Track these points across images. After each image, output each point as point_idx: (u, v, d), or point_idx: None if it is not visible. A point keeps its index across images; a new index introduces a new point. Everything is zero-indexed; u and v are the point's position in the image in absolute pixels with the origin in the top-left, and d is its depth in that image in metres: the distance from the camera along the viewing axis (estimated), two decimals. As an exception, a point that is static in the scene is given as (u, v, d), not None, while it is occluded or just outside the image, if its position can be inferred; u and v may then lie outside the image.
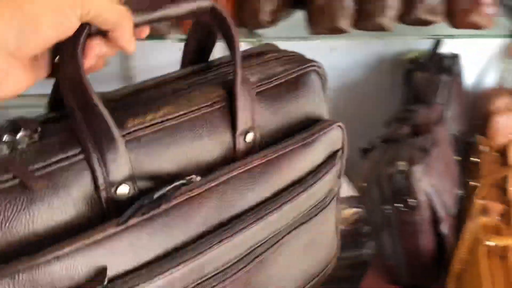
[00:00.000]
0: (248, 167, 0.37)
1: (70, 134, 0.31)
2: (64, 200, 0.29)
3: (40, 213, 0.28)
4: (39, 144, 0.29)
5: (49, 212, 0.29)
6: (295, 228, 0.43)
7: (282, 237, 0.41)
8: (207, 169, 0.35)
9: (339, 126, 0.45)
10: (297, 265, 0.46)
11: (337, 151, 0.46)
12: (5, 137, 0.29)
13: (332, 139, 0.44)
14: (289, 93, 0.42)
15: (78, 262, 0.28)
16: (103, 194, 0.31)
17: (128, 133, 0.32)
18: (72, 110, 0.31)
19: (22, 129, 0.29)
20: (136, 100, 0.35)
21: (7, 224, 0.27)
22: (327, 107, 0.47)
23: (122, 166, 0.31)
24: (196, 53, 0.42)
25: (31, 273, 0.26)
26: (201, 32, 0.39)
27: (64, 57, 0.30)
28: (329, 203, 0.47)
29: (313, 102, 0.45)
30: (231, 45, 0.37)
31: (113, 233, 0.29)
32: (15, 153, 0.28)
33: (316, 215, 0.45)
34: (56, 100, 0.33)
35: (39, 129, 0.30)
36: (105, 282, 0.29)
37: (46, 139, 0.30)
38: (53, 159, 0.29)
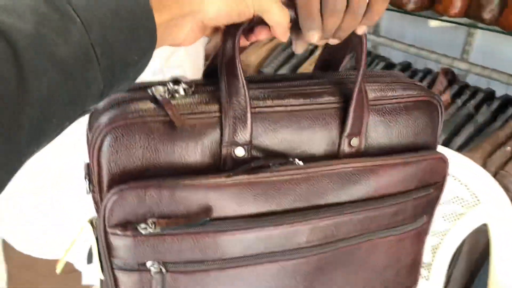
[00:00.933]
0: (346, 168, 0.42)
1: (214, 95, 0.39)
2: (197, 145, 0.38)
3: (177, 148, 0.38)
4: (191, 98, 0.39)
5: (184, 150, 0.38)
6: (377, 235, 0.47)
7: (359, 242, 0.46)
8: (308, 158, 0.41)
9: (442, 158, 0.47)
10: (368, 278, 0.50)
11: (436, 183, 0.48)
12: (169, 85, 0.39)
13: (433, 169, 0.47)
14: (406, 115, 0.46)
15: (194, 196, 0.37)
16: (224, 150, 0.39)
17: (257, 107, 0.40)
18: (221, 77, 0.39)
19: (182, 83, 0.39)
20: (271, 85, 0.43)
21: (155, 145, 0.37)
22: (438, 140, 0.50)
23: (245, 132, 0.39)
24: (328, 61, 0.49)
25: (171, 191, 0.36)
26: (336, 44, 0.43)
27: (227, 35, 0.38)
28: (415, 229, 0.50)
29: (426, 131, 0.47)
30: (359, 60, 0.42)
31: (224, 182, 0.38)
32: (173, 98, 0.38)
33: (403, 232, 0.49)
34: (211, 70, 0.42)
35: (194, 87, 0.40)
36: (208, 219, 0.38)
37: (196, 95, 0.39)
38: (197, 111, 0.38)
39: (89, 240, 0.42)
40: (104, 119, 0.37)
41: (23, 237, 0.70)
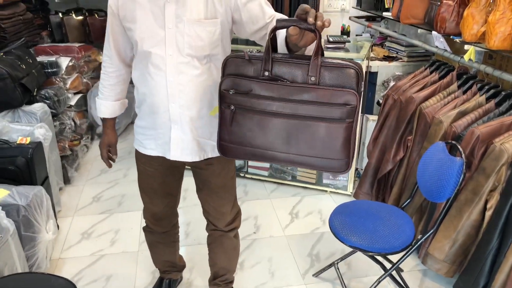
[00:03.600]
0: (307, 87, 1.15)
1: (262, 62, 1.21)
2: (252, 68, 1.21)
3: (246, 68, 1.21)
4: (257, 53, 1.22)
5: (247, 69, 1.21)
6: (319, 120, 1.16)
7: (311, 121, 1.17)
8: (294, 82, 1.17)
9: (354, 93, 1.13)
10: (316, 142, 1.18)
11: (351, 105, 1.13)
12: (253, 51, 1.35)
13: (348, 97, 1.13)
14: (339, 70, 1.14)
15: (247, 84, 1.21)
16: (261, 72, 1.20)
17: (274, 58, 1.19)
18: (266, 50, 1.19)
19: (256, 50, 1.74)
20: (283, 55, 1.20)
21: (238, 66, 1.22)
22: (360, 89, 1.15)
23: (269, 66, 1.18)
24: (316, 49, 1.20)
25: (240, 80, 1.22)
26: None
27: (271, 32, 1.19)
28: (342, 123, 1.15)
29: (349, 81, 1.14)
30: (318, 43, 1.15)
31: (259, 81, 1.20)
32: (251, 52, 1.24)
33: (332, 123, 1.16)
34: (273, 46, 1.21)
35: (259, 51, 1.26)
36: (250, 91, 1.22)
37: (257, 54, 1.21)
38: (254, 57, 1.21)
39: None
40: (229, 56, 1.24)
41: None
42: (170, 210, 1.80)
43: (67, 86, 3.22)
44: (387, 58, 3.14)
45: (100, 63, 4.00)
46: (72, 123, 3.23)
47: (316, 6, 3.76)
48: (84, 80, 3.59)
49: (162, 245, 1.91)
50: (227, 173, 1.64)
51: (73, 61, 3.33)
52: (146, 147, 1.57)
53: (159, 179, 1.66)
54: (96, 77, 3.85)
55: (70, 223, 2.65)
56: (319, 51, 1.13)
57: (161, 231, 1.84)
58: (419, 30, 2.71)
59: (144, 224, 1.86)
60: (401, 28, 3.55)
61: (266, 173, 3.08)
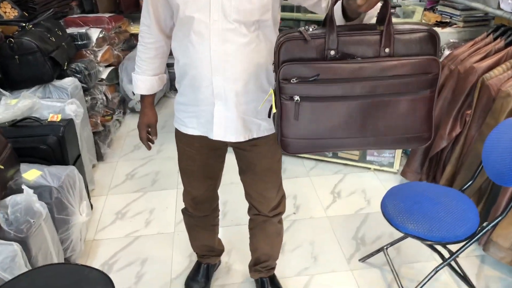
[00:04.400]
0: (383, 60, 1.01)
1: (324, 29, 1.02)
2: (314, 49, 1.02)
3: (307, 50, 1.02)
4: (324, 30, 1.01)
5: (309, 51, 1.02)
6: (399, 95, 1.04)
7: (390, 97, 1.04)
8: (365, 57, 1.02)
9: (435, 59, 1.02)
10: (397, 120, 1.06)
11: (432, 73, 1.03)
12: (306, 27, 1.04)
13: (430, 64, 1.02)
14: (415, 38, 1.02)
15: (312, 68, 1.01)
16: (326, 52, 1.01)
17: (338, 33, 1.01)
18: (327, 23, 1.01)
19: (311, 26, 1.03)
20: (346, 27, 1.03)
21: (298, 48, 1.03)
22: (438, 53, 1.03)
23: (335, 44, 1.00)
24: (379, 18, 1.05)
25: (303, 65, 1.02)
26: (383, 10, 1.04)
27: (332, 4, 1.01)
28: (423, 96, 1.04)
29: (427, 47, 1.03)
30: (388, 10, 1.00)
31: (325, 63, 1.01)
32: (307, 30, 1.03)
33: (414, 96, 1.04)
34: (323, 22, 1.04)
35: (315, 27, 1.03)
36: (317, 77, 1.02)
37: (318, 30, 1.03)
38: (316, 34, 1.02)
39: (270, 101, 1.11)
40: (281, 39, 1.03)
41: None
42: (211, 193, 1.67)
43: (98, 59, 3.10)
44: (440, 24, 2.86)
45: (132, 34, 3.89)
46: (104, 98, 3.13)
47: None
48: (115, 52, 3.47)
49: (201, 229, 1.80)
50: (273, 155, 1.49)
51: (103, 32, 3.20)
52: (188, 126, 1.44)
53: (200, 161, 1.53)
54: (127, 48, 3.73)
55: (104, 202, 2.57)
56: (390, 17, 0.99)
57: (200, 215, 1.73)
58: (480, -9, 2.42)
59: (183, 206, 1.75)
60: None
61: (305, 149, 2.91)
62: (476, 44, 2.35)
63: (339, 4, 1.07)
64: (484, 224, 1.61)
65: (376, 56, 1.01)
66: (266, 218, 1.64)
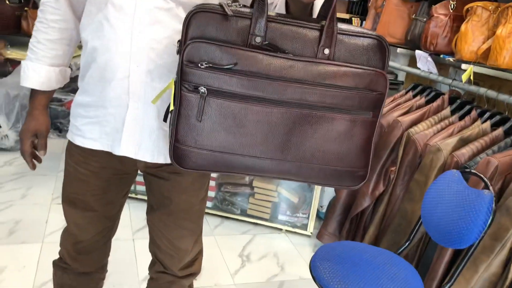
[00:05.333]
0: (318, 62, 0.81)
1: (251, 9, 0.81)
2: (235, 30, 0.80)
3: (226, 29, 0.80)
4: (239, 7, 0.81)
5: (225, 28, 0.80)
6: (335, 112, 0.83)
7: (323, 112, 0.83)
8: (297, 55, 0.81)
9: (384, 75, 0.84)
10: (329, 144, 0.85)
11: (378, 91, 0.84)
12: (233, 3, 0.83)
13: (376, 80, 0.83)
14: (362, 44, 0.83)
15: (229, 54, 0.78)
16: (250, 37, 0.80)
17: (269, 18, 0.80)
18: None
19: (238, 4, 0.83)
20: (280, 14, 0.83)
21: (214, 25, 0.80)
22: (386, 68, 0.85)
23: (262, 28, 0.80)
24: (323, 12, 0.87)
25: (217, 48, 0.79)
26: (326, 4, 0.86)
27: None
28: (364, 118, 0.85)
29: (375, 58, 0.84)
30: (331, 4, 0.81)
31: (246, 50, 0.78)
32: (229, 6, 0.80)
33: (353, 116, 0.84)
34: (253, 2, 0.83)
35: (241, 5, 0.83)
36: (233, 65, 0.78)
37: (243, 8, 0.81)
38: (240, 12, 0.80)
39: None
40: (193, 9, 0.80)
41: None
42: (103, 241, 1.20)
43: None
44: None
45: (6, 59, 3.29)
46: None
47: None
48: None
49: None
50: (198, 190, 1.11)
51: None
52: (85, 136, 1.02)
53: (97, 190, 1.09)
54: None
55: None
56: (335, 12, 0.81)
57: (81, 271, 1.22)
58: (398, 50, 2.41)
59: (57, 257, 1.24)
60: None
61: (209, 203, 2.52)
62: (395, 100, 2.27)
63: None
64: (429, 294, 1.36)
65: (312, 57, 0.81)
66: (174, 278, 1.21)
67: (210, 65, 0.78)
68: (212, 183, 2.48)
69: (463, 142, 1.77)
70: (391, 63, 2.49)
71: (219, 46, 0.78)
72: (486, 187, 1.36)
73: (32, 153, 1.14)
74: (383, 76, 0.83)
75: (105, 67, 0.95)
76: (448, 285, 1.34)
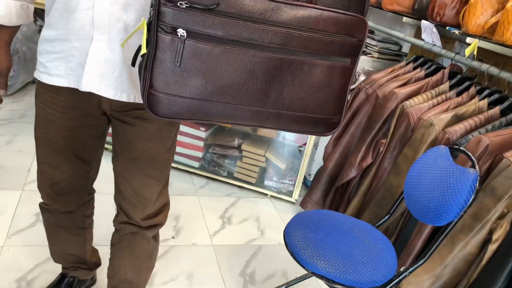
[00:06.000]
0: (302, 4, 0.79)
1: None
2: None
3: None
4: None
5: None
6: (316, 58, 0.82)
7: (305, 57, 0.81)
8: None
9: (363, 20, 0.84)
10: (308, 91, 0.84)
11: (357, 38, 0.84)
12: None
13: (356, 25, 0.83)
14: None
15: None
16: None
17: None
18: None
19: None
20: None
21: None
22: (365, 14, 0.85)
23: None
24: None
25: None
26: None
27: None
28: (342, 64, 0.85)
29: (356, 3, 0.84)
30: None
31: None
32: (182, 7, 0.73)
33: (333, 62, 0.84)
34: None
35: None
36: (216, 5, 0.73)
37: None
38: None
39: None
40: None
41: None
42: (80, 181, 1.20)
43: None
44: (356, 50, 2.71)
45: None
46: None
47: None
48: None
49: (64, 231, 1.31)
50: (165, 137, 1.08)
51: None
52: (51, 73, 0.99)
53: (65, 130, 1.07)
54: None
55: None
56: None
57: (63, 210, 1.24)
58: (404, 19, 2.30)
59: (40, 200, 1.25)
60: (371, 17, 3.16)
61: (196, 164, 2.48)
62: (395, 71, 2.19)
63: None
64: (402, 269, 1.33)
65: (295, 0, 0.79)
66: (137, 229, 1.19)
67: (191, 4, 0.73)
68: (200, 144, 2.43)
69: (458, 119, 1.70)
70: (395, 33, 2.40)
71: None
72: (473, 166, 1.31)
73: None
74: (363, 21, 0.83)
75: None
76: (423, 260, 1.31)
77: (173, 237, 1.94)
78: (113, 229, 1.23)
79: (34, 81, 3.27)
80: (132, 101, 0.99)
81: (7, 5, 1.01)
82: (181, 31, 0.75)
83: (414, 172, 1.45)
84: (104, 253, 1.46)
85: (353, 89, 2.28)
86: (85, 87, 0.96)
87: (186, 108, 0.81)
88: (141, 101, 0.95)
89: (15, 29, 1.08)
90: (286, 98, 0.84)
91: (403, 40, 2.32)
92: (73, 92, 1.00)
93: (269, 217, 2.25)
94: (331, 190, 2.14)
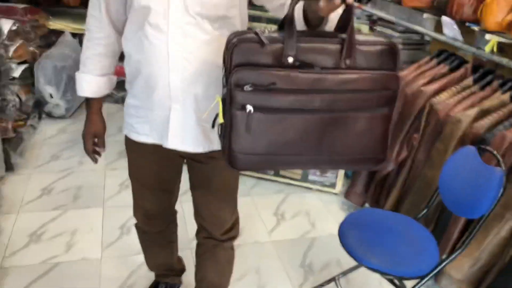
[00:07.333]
0: (343, 73, 0.94)
1: (281, 33, 0.93)
2: (270, 55, 0.92)
3: (263, 55, 0.92)
4: (272, 33, 0.93)
5: (265, 56, 0.92)
6: (358, 112, 0.97)
7: (349, 113, 0.97)
8: (324, 68, 0.94)
9: (396, 75, 0.97)
10: (354, 139, 0.99)
11: (392, 89, 0.98)
12: (262, 28, 0.95)
13: (389, 81, 0.97)
14: (376, 51, 0.96)
15: (267, 76, 0.92)
16: (283, 58, 0.91)
17: (298, 39, 0.92)
18: (286, 25, 0.92)
19: (269, 29, 0.95)
20: (305, 33, 0.96)
21: (253, 52, 0.92)
22: (398, 68, 0.98)
23: (293, 51, 0.91)
24: (340, 26, 0.98)
25: (258, 72, 0.92)
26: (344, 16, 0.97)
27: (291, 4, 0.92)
28: (381, 114, 0.99)
29: (388, 62, 0.97)
30: (351, 19, 0.93)
31: (283, 71, 0.92)
32: (263, 33, 0.93)
33: (373, 113, 0.98)
34: (281, 24, 0.95)
35: (272, 29, 0.95)
36: (273, 86, 0.92)
37: (274, 33, 0.94)
38: (273, 38, 0.92)
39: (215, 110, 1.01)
40: (234, 40, 0.93)
41: None
42: (166, 208, 1.51)
43: (10, 54, 2.69)
44: (382, 44, 2.87)
45: (51, 30, 3.46)
46: (16, 99, 2.72)
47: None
48: (31, 48, 3.06)
49: (156, 247, 1.63)
50: (232, 170, 1.32)
51: (16, 25, 2.80)
52: (139, 132, 1.26)
53: (153, 172, 1.36)
54: (44, 45, 3.30)
55: (14, 221, 2.19)
56: (353, 26, 0.93)
57: (155, 231, 1.55)
58: (425, 15, 2.45)
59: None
60: (391, 11, 3.29)
61: (245, 165, 2.74)
62: (420, 67, 2.36)
63: (300, 7, 0.98)
64: (444, 257, 1.57)
65: (336, 67, 0.94)
66: (217, 242, 1.46)
67: (254, 87, 0.92)
68: (247, 147, 2.68)
69: (483, 113, 1.89)
70: (417, 27, 2.55)
71: (259, 70, 0.92)
72: (498, 163, 1.51)
73: (94, 150, 1.40)
74: (396, 76, 0.97)
75: (149, 77, 1.16)
76: (461, 249, 1.54)
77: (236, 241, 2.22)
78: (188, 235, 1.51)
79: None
80: (206, 151, 1.25)
81: (97, 82, 1.30)
82: (249, 107, 0.93)
83: (447, 171, 1.66)
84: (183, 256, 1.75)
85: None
86: (171, 145, 1.22)
87: (258, 162, 1.02)
88: (211, 149, 1.24)
89: (105, 97, 1.36)
90: (336, 146, 0.99)
91: (425, 34, 2.47)
92: (158, 146, 1.26)
93: (317, 209, 2.50)
94: (372, 183, 2.37)
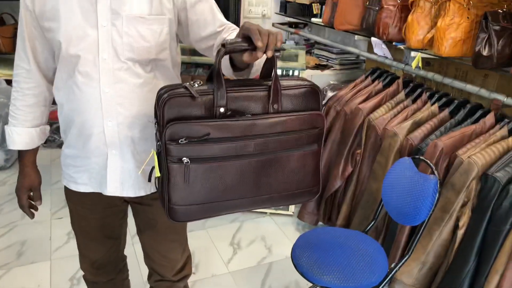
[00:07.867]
0: (271, 117, 0.97)
1: (211, 85, 0.95)
2: (202, 107, 0.94)
3: (194, 108, 0.93)
4: (201, 86, 0.96)
5: (196, 109, 0.94)
6: (290, 151, 1.01)
7: (281, 154, 1.00)
8: (253, 114, 0.97)
9: (321, 115, 1.02)
10: (289, 176, 1.03)
11: (319, 127, 1.03)
12: (191, 82, 0.96)
13: (316, 119, 1.02)
14: (299, 94, 1.01)
15: (201, 128, 0.93)
16: (215, 109, 0.94)
17: (227, 89, 0.94)
18: (214, 78, 0.93)
19: (196, 82, 0.97)
20: (233, 83, 0.98)
21: (185, 107, 0.93)
22: (321, 107, 1.04)
23: (224, 101, 0.94)
24: (265, 73, 1.03)
25: (191, 126, 0.92)
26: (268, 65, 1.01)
27: (217, 57, 0.92)
28: (311, 151, 1.04)
29: (312, 102, 1.02)
30: (275, 68, 0.97)
31: (216, 122, 0.94)
32: (192, 86, 0.95)
33: (304, 151, 1.03)
34: (210, 76, 0.96)
35: (201, 83, 0.97)
36: (207, 136, 0.93)
37: (204, 85, 0.96)
38: (203, 91, 0.94)
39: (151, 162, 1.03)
40: (164, 95, 0.93)
41: None
42: (114, 255, 1.44)
43: None
44: (319, 67, 2.99)
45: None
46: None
47: (237, 12, 3.52)
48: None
49: None
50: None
51: None
52: (78, 182, 1.23)
53: (96, 221, 1.31)
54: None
55: (-48, 285, 2.05)
56: (276, 73, 0.98)
57: (104, 280, 1.46)
58: (356, 37, 2.58)
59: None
60: (326, 35, 3.44)
61: (197, 198, 2.72)
62: (356, 86, 2.47)
63: (226, 56, 1.00)
64: (392, 266, 1.61)
65: (265, 112, 0.98)
66: (170, 284, 1.42)
67: (188, 140, 0.92)
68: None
69: (416, 125, 1.99)
70: (351, 49, 2.67)
71: (192, 123, 0.92)
72: (432, 171, 1.59)
73: (30, 205, 1.33)
74: (321, 115, 1.02)
75: (83, 126, 1.13)
76: (407, 256, 1.59)
77: (193, 273, 2.18)
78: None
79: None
80: (148, 193, 1.23)
81: (29, 133, 1.24)
82: (185, 160, 0.94)
83: (387, 183, 1.73)
84: (144, 303, 1.69)
85: (324, 106, 2.56)
86: (110, 192, 1.20)
87: (199, 211, 1.00)
88: (154, 191, 1.23)
89: (38, 148, 1.31)
90: (273, 184, 1.02)
91: (359, 55, 2.60)
92: (98, 194, 1.23)
93: (273, 233, 2.51)
94: (322, 200, 2.41)
